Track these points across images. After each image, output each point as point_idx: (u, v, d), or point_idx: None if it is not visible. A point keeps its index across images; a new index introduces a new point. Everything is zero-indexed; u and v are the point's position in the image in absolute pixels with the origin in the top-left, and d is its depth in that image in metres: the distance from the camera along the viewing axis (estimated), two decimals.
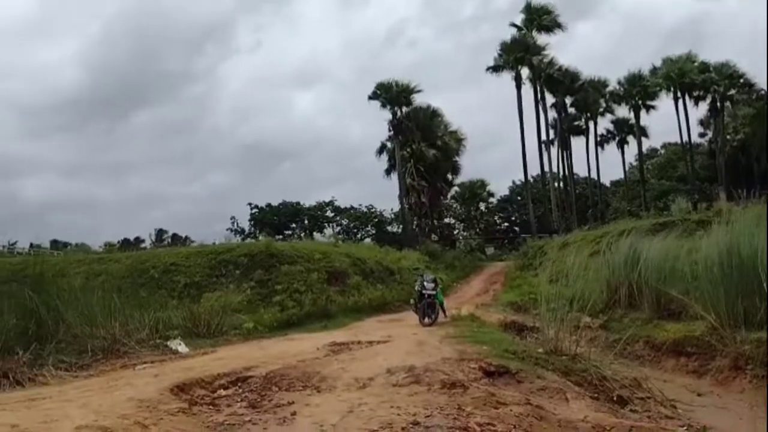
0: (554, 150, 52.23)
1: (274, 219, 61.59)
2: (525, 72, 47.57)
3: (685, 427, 7.01)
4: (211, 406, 7.29)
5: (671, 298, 13.60)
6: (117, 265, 18.62)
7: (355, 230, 62.86)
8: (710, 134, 54.30)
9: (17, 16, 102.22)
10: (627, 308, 15.03)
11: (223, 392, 8.01)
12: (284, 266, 19.86)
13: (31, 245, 39.83)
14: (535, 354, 9.49)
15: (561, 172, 53.22)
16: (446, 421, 6.23)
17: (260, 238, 50.67)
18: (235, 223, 59.23)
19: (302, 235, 55.32)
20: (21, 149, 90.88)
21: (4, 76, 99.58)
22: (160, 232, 63.44)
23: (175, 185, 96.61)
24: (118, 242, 47.99)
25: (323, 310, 18.09)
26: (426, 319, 13.97)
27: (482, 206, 60.87)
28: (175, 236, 60.01)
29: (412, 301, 15.74)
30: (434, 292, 14.29)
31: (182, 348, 11.59)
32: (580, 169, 57.13)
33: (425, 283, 14.47)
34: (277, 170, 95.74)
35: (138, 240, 58.87)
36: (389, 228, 62.45)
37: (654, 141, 61.91)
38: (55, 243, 49.72)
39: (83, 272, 13.36)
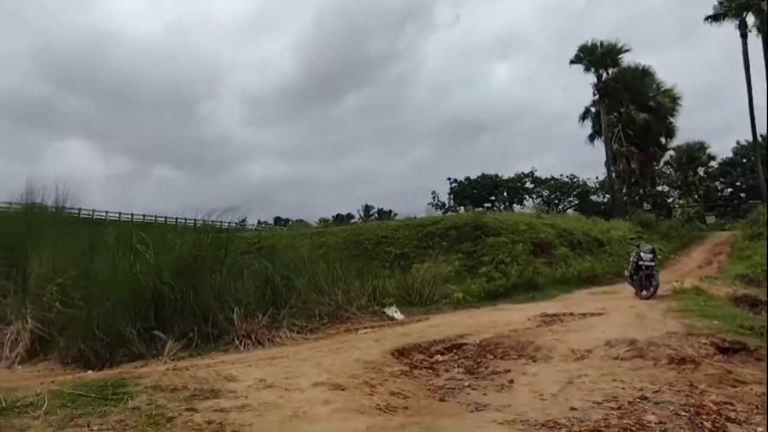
0: None
1: (473, 192, 61.86)
2: (750, 19, 42.17)
3: None
4: (429, 370, 7.62)
5: None
6: (333, 237, 20.04)
7: (557, 201, 60.98)
8: None
9: (241, 13, 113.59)
10: None
11: (440, 357, 8.32)
12: (489, 238, 19.89)
13: (259, 222, 44.38)
14: None
15: None
16: (677, 398, 5.88)
17: (460, 210, 51.28)
18: (436, 198, 60.56)
19: (502, 207, 54.85)
20: (249, 136, 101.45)
21: (234, 71, 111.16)
22: (367, 208, 66.96)
23: (381, 162, 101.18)
24: (332, 217, 51.59)
25: (530, 282, 17.86)
26: (644, 292, 13.18)
27: (701, 171, 55.49)
28: (381, 211, 62.87)
29: (626, 273, 14.93)
30: (652, 264, 13.41)
31: (398, 315, 12.22)
32: None
33: (642, 254, 13.62)
34: (475, 143, 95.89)
35: (349, 215, 62.82)
36: (593, 198, 59.69)
37: None
38: (278, 219, 54.93)
39: (306, 244, 14.55)
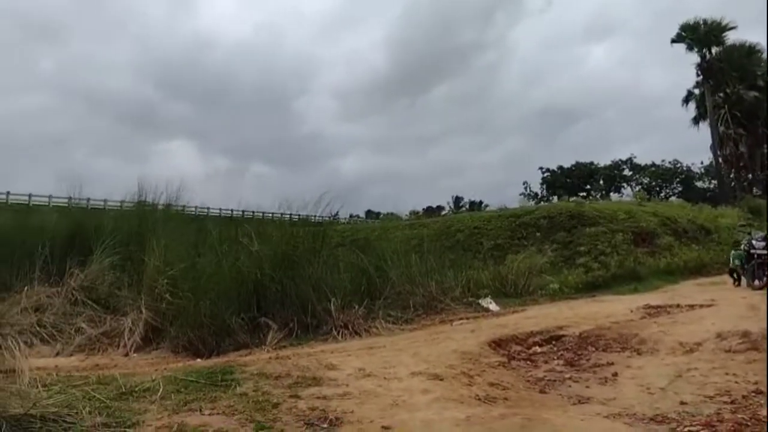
0: None
1: (566, 181, 60.29)
2: None
3: None
4: (528, 362, 7.50)
5: None
6: (426, 229, 20.07)
7: (658, 188, 58.37)
8: None
9: (329, 9, 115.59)
10: None
11: (538, 349, 8.17)
12: (587, 228, 19.31)
13: (351, 215, 45.05)
14: None
15: None
16: None
17: (553, 200, 50.02)
18: (528, 188, 59.43)
19: (598, 196, 53.06)
20: (340, 131, 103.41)
21: (325, 67, 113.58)
22: (457, 199, 66.58)
23: (470, 154, 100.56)
24: (422, 210, 51.65)
25: (631, 272, 17.16)
26: (756, 282, 12.39)
27: None
28: (472, 203, 62.36)
29: (732, 264, 14.00)
30: (766, 252, 12.57)
31: (493, 306, 12.09)
32: None
33: (754, 242, 12.80)
34: (569, 131, 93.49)
35: (439, 207, 62.67)
36: (699, 184, 56.69)
37: None
38: (369, 213, 55.58)
39: (398, 237, 14.64)
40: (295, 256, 11.07)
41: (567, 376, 6.70)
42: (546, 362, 7.47)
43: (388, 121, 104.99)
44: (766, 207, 34.17)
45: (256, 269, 10.46)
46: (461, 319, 10.73)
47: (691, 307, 10.35)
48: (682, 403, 5.35)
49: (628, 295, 13.83)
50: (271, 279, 10.42)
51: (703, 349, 7.22)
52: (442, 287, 12.12)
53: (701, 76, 40.27)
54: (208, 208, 36.75)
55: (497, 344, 8.12)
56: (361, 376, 6.30)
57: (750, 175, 42.24)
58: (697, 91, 41.65)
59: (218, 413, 4.85)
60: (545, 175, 62.70)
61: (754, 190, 40.75)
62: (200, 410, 4.88)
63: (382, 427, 4.72)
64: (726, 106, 38.19)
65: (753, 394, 5.46)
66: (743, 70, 38.95)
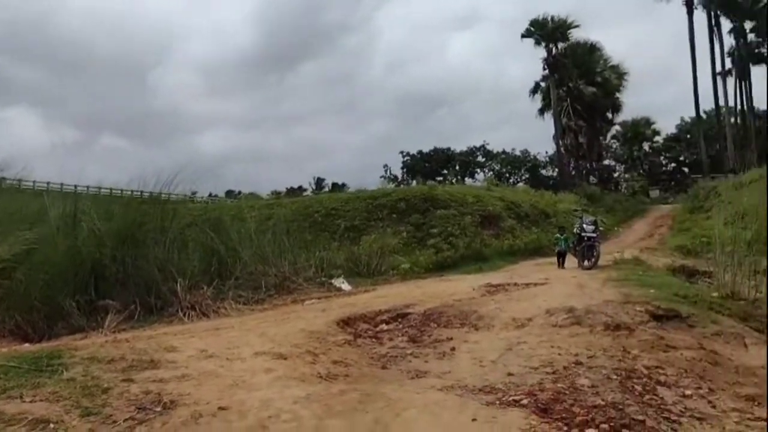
0: (731, 82, 47.31)
1: (425, 165, 62.26)
2: None
3: None
4: (374, 339, 7.69)
5: None
6: (283, 210, 19.83)
7: (508, 175, 61.91)
8: None
9: None
10: None
11: (384, 327, 8.39)
12: (439, 210, 20.05)
13: (210, 194, 43.59)
14: (709, 298, 8.90)
15: (738, 106, 48.24)
16: (610, 363, 6.07)
17: (413, 184, 51.48)
18: (388, 171, 60.70)
19: (454, 181, 55.33)
20: (201, 106, 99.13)
21: (187, 39, 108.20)
22: (319, 180, 66.66)
23: (337, 135, 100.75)
24: (284, 190, 51.13)
25: (477, 253, 18.09)
26: (586, 262, 13.50)
27: (646, 146, 56.99)
28: (334, 184, 62.67)
29: (556, 248, 15.13)
30: (594, 235, 13.73)
31: (345, 286, 12.24)
32: (760, 102, 51.48)
33: (585, 225, 13.91)
34: (432, 117, 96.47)
35: (301, 188, 62.37)
36: (544, 171, 60.81)
37: None
38: (229, 192, 54.12)
39: (255, 217, 14.35)
40: (141, 235, 10.54)
41: (409, 352, 6.95)
42: (391, 339, 7.69)
43: (254, 98, 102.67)
44: (599, 193, 37.46)
45: (96, 249, 9.85)
46: (313, 299, 10.77)
47: (527, 285, 11.09)
48: (509, 374, 5.72)
49: (473, 275, 14.55)
50: (113, 259, 9.86)
51: (533, 324, 7.76)
52: (295, 267, 12.10)
53: (547, 70, 43.10)
54: (48, 183, 34.01)
55: (345, 323, 8.24)
56: (203, 358, 6.14)
57: (588, 164, 45.93)
58: (543, 84, 44.53)
59: (41, 400, 4.55)
60: (405, 159, 64.41)
61: (591, 178, 44.38)
62: (21, 397, 4.56)
63: (219, 407, 4.64)
64: (568, 100, 41.15)
65: (573, 365, 5.95)
66: (585, 67, 42.12)
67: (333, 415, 4.49)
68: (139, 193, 13.41)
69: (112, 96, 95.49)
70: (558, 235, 15.34)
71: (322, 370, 5.83)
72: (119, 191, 18.13)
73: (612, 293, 9.27)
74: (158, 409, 4.53)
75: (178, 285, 9.85)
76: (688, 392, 5.62)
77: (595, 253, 13.43)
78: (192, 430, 4.18)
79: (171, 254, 10.70)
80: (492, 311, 8.51)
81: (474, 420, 4.42)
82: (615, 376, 5.63)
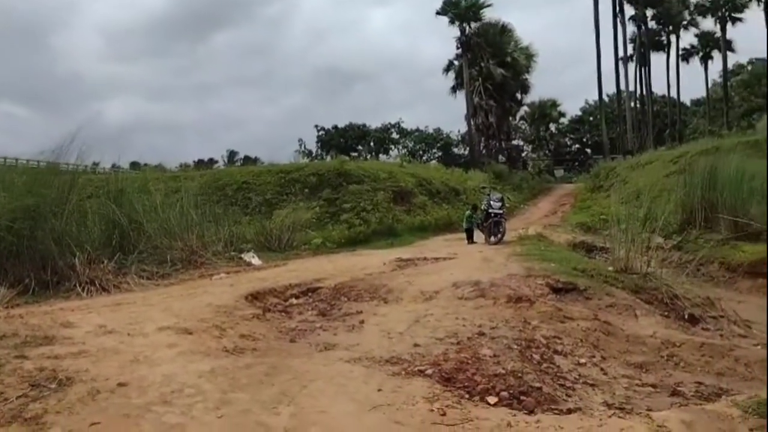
0: (632, 67, 49.71)
1: (340, 141, 61.99)
2: None
3: (759, 346, 6.86)
4: (283, 313, 7.64)
5: (750, 220, 13.08)
6: (192, 183, 19.21)
7: (421, 152, 62.65)
8: None
9: None
10: (702, 229, 14.56)
11: (294, 301, 8.36)
12: (351, 185, 20.08)
13: (113, 165, 41.58)
14: (605, 272, 9.38)
15: (638, 91, 50.82)
16: (511, 333, 6.32)
17: (327, 159, 51.22)
18: (303, 145, 59.97)
19: (368, 156, 55.46)
20: (107, 72, 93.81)
21: (93, 1, 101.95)
22: (232, 154, 65.11)
23: (252, 108, 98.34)
24: (193, 163, 49.55)
25: (389, 229, 18.29)
26: (492, 238, 13.93)
27: (552, 127, 59.12)
28: (246, 158, 61.38)
29: (465, 225, 15.49)
30: (501, 211, 14.16)
31: (255, 260, 12.07)
32: (658, 88, 54.57)
33: (492, 202, 14.31)
34: (350, 92, 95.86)
35: (212, 161, 60.67)
36: (455, 150, 61.96)
37: (740, 57, 58.16)
38: (135, 164, 51.69)
39: (161, 189, 13.84)
40: (37, 206, 9.95)
41: (318, 325, 6.96)
42: (300, 313, 7.68)
43: (165, 66, 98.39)
44: (507, 172, 38.62)
45: None
46: (221, 273, 10.56)
47: (436, 259, 11.35)
48: (415, 345, 5.85)
49: (384, 250, 14.72)
50: (7, 230, 9.27)
51: (440, 297, 7.94)
52: (203, 241, 11.79)
53: (460, 49, 43.68)
54: None
55: (255, 297, 8.15)
56: (102, 333, 5.92)
57: (497, 144, 47.14)
58: (456, 63, 45.15)
59: None
60: (320, 133, 63.92)
61: (500, 157, 45.62)
62: None
63: (118, 384, 4.50)
64: (480, 79, 41.91)
65: (476, 335, 6.14)
66: (495, 47, 42.92)
67: (238, 388, 4.45)
68: (36, 163, 12.71)
69: (7, 59, 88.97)
70: (469, 212, 15.71)
71: (228, 344, 5.75)
72: (14, 161, 17.07)
73: (516, 267, 9.61)
74: (53, 386, 4.35)
75: (77, 259, 9.41)
76: (582, 360, 5.94)
77: (501, 229, 13.86)
78: (89, 407, 4.03)
79: (69, 227, 10.19)
80: (401, 285, 8.64)
81: (379, 390, 4.49)
82: (515, 346, 5.86)
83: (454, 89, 45.80)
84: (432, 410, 4.11)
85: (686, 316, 8.09)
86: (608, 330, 6.86)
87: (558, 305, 7.42)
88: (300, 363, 5.20)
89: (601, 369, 5.87)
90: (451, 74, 45.93)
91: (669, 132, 52.60)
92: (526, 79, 45.90)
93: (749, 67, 60.50)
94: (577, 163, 59.93)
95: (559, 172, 54.89)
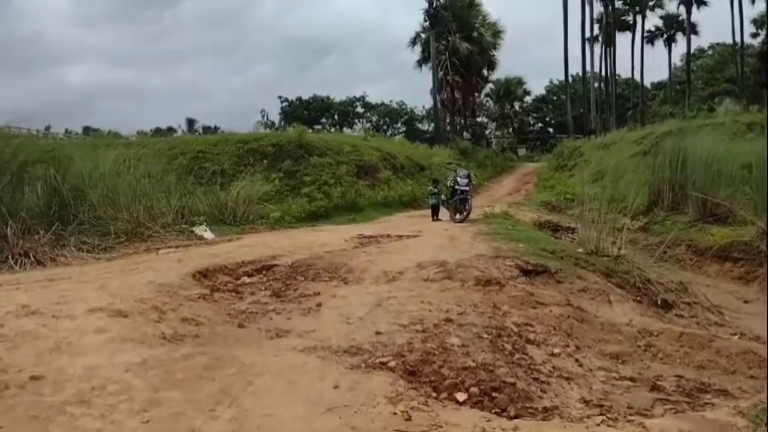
0: (598, 48, 49.58)
1: (303, 113, 60.88)
2: None
3: (737, 336, 6.53)
4: (233, 293, 7.00)
5: (718, 202, 12.90)
6: (145, 150, 18.23)
7: (385, 127, 62.02)
8: (763, 34, 50.79)
9: None
10: (669, 211, 14.35)
11: (247, 279, 7.72)
12: (313, 158, 19.33)
13: (66, 131, 39.85)
14: (575, 254, 8.98)
15: (602, 71, 50.81)
16: (481, 320, 5.84)
17: (290, 131, 50.11)
18: (266, 116, 58.62)
19: (332, 130, 54.57)
20: (70, 35, 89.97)
21: None
22: (190, 122, 63.22)
23: (219, 77, 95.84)
24: (150, 131, 47.75)
25: (352, 204, 17.69)
26: (458, 215, 13.43)
27: (517, 105, 58.90)
28: (206, 127, 59.71)
29: (431, 200, 14.86)
30: (468, 188, 13.65)
31: (208, 234, 11.32)
32: (622, 70, 54.78)
33: (458, 179, 13.78)
34: (319, 64, 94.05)
35: (170, 129, 58.72)
36: (420, 125, 61.48)
37: (703, 41, 58.84)
38: (88, 129, 49.69)
39: (111, 156, 12.91)
40: None
41: (271, 308, 6.36)
42: (252, 293, 7.05)
43: (130, 32, 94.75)
44: (471, 149, 38.27)
45: None
46: (169, 247, 9.80)
47: (399, 237, 10.80)
48: (377, 332, 5.32)
49: (346, 225, 14.13)
50: None
51: (404, 278, 7.42)
52: (151, 213, 11.00)
53: (427, 22, 42.76)
54: None
55: (203, 275, 7.48)
56: (23, 315, 5.24)
57: (462, 120, 46.71)
58: (423, 36, 44.25)
59: None
60: (283, 104, 62.68)
61: (465, 133, 45.23)
62: None
63: (32, 377, 3.89)
64: (447, 54, 41.18)
65: (443, 322, 5.64)
66: (463, 21, 42.23)
67: (172, 384, 3.87)
68: None
69: None
70: (431, 187, 15.14)
71: (167, 330, 5.13)
72: None
73: (483, 247, 9.14)
74: None
75: (9, 228, 8.59)
76: (556, 351, 5.50)
77: (467, 207, 13.38)
78: None
79: (3, 194, 9.35)
80: (363, 264, 8.08)
81: (336, 387, 3.97)
82: (485, 335, 5.39)
83: (420, 63, 45.04)
84: (395, 413, 3.60)
85: (659, 302, 7.74)
86: (582, 317, 6.44)
87: (529, 289, 6.96)
88: (247, 353, 4.63)
89: (576, 360, 5.45)
90: (418, 48, 45.09)
91: (631, 113, 52.90)
92: (493, 55, 45.41)
93: (710, 51, 61.29)
94: (538, 143, 60.11)
95: (522, 151, 54.97)
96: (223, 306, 6.40)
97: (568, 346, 5.71)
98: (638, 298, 7.89)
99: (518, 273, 7.69)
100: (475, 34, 42.24)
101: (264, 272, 7.99)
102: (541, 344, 5.63)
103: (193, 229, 11.44)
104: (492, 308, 6.27)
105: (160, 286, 6.63)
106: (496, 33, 44.05)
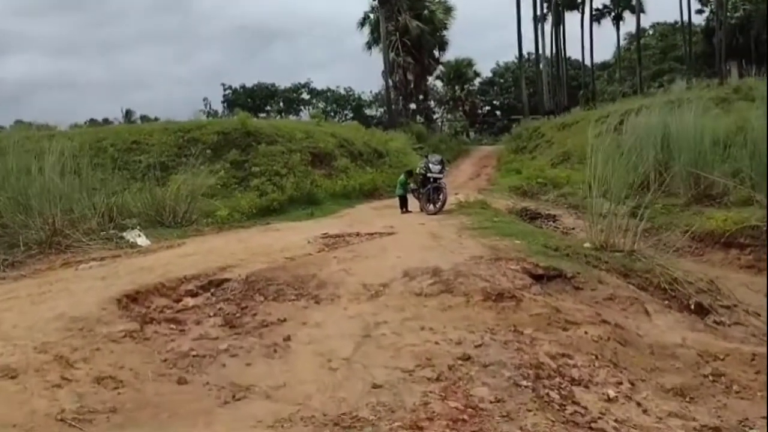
0: (548, 28, 48.70)
1: (248, 101, 58.43)
2: None
3: None
4: (172, 325, 5.31)
5: (712, 181, 11.83)
6: (70, 142, 16.03)
7: (333, 113, 60.20)
8: (707, 11, 50.88)
9: None
10: (657, 193, 13.24)
11: (190, 301, 6.03)
12: (262, 146, 17.46)
13: None
14: (583, 250, 7.66)
15: (552, 52, 50.00)
16: (507, 354, 4.40)
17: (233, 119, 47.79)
18: (208, 105, 55.90)
19: (277, 117, 52.41)
20: (7, 25, 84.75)
21: None
22: (128, 113, 59.78)
23: (163, 66, 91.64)
24: (85, 123, 44.58)
25: (308, 196, 15.98)
26: (431, 206, 11.97)
27: (467, 87, 57.77)
28: (144, 117, 56.54)
29: (398, 192, 13.39)
30: (441, 176, 12.20)
31: (142, 240, 9.48)
32: (570, 50, 54.23)
33: (431, 165, 12.30)
34: (267, 52, 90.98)
35: (106, 121, 55.32)
36: (368, 111, 59.90)
37: (649, 19, 58.91)
38: (19, 123, 46.07)
39: (29, 151, 10.95)
40: None
41: (223, 346, 4.74)
42: (198, 323, 5.39)
43: (73, 21, 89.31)
44: (426, 133, 36.91)
45: None
46: (93, 260, 7.94)
47: (371, 235, 9.25)
48: (374, 386, 3.84)
49: (305, 221, 12.46)
50: None
51: (390, 292, 5.92)
52: (70, 217, 9.12)
53: (376, 1, 40.96)
54: None
55: (132, 299, 5.76)
56: None
57: (414, 104, 45.23)
58: (372, 17, 42.44)
59: None
60: (227, 92, 60.04)
61: (417, 117, 43.81)
62: None
63: None
64: (397, 34, 39.48)
65: (459, 362, 4.19)
66: (413, 0, 40.64)
67: None
68: None
69: None
70: (403, 177, 13.57)
71: (69, 403, 3.48)
72: None
73: (475, 246, 7.72)
74: None
75: None
76: (610, 393, 4.11)
77: (442, 197, 11.95)
78: None
79: None
80: (336, 274, 6.52)
81: None
82: (522, 380, 3.97)
83: (369, 45, 43.17)
84: None
85: (692, 306, 6.46)
86: (624, 338, 5.08)
87: (552, 303, 5.55)
88: None
89: (638, 404, 4.09)
90: (366, 29, 43.21)
91: (582, 94, 52.42)
92: (444, 35, 43.89)
93: (650, 31, 61.62)
94: (486, 126, 59.40)
95: (473, 134, 54.07)
96: (157, 347, 4.75)
97: (621, 383, 4.33)
98: (666, 301, 6.62)
99: (529, 279, 6.28)
100: (426, 12, 40.69)
101: (212, 290, 6.31)
102: (589, 383, 4.25)
103: (124, 234, 9.56)
104: (514, 333, 4.85)
105: (72, 321, 4.95)
106: (448, 9, 42.55)
